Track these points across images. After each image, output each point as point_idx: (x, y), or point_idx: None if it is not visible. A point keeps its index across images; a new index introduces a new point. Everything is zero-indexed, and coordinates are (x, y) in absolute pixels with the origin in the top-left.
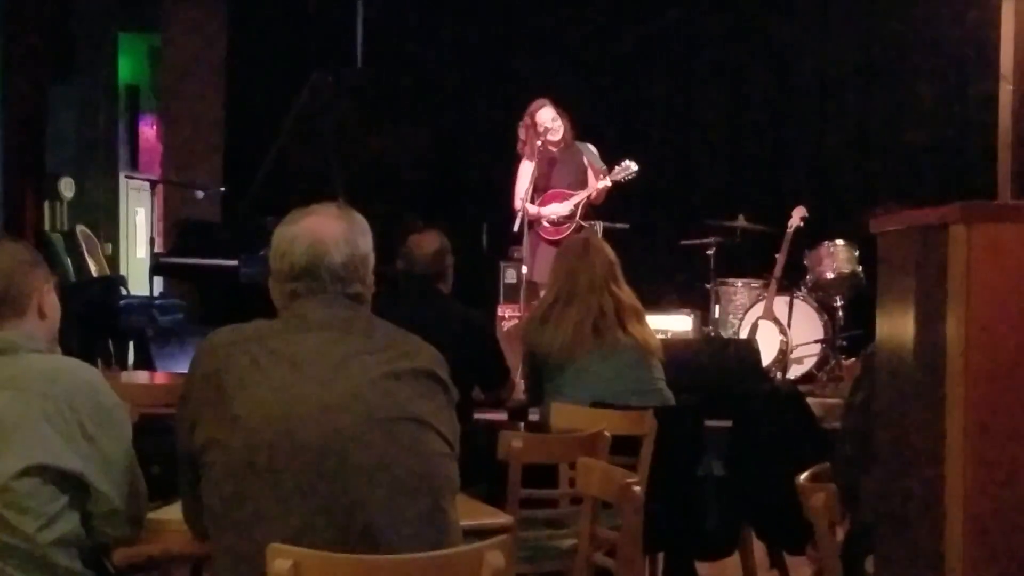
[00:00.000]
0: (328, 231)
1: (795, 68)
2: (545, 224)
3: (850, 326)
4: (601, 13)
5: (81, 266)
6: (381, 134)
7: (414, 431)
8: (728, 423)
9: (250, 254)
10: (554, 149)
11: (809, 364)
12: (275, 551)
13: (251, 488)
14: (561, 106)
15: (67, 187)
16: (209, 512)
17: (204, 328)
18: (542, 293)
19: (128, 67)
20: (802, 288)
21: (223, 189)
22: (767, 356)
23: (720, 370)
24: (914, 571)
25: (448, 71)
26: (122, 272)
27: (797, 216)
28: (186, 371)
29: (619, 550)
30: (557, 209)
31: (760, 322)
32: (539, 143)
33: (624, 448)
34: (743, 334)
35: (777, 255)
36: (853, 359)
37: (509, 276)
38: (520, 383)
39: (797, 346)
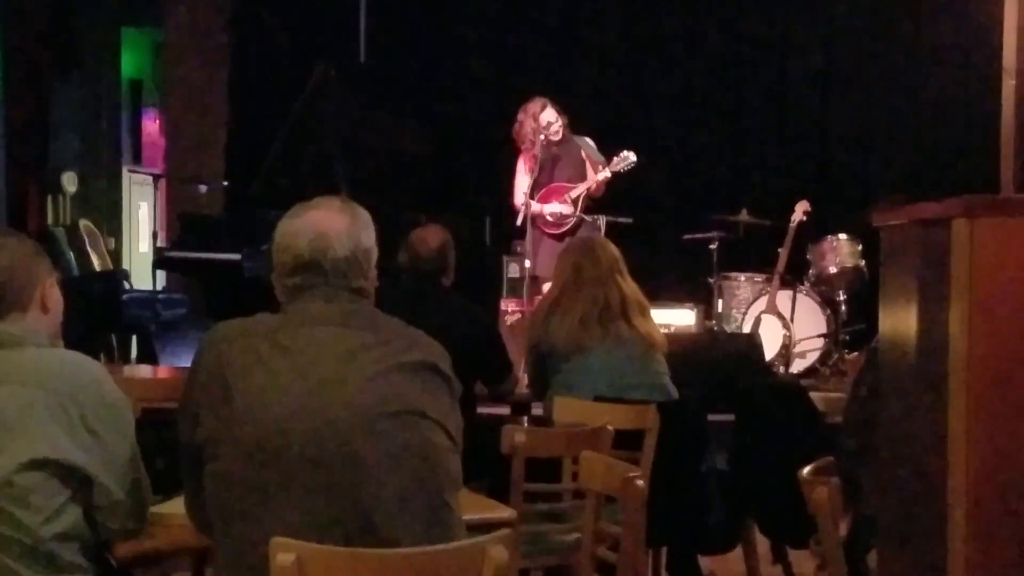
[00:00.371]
0: (331, 225)
1: (798, 62)
2: (547, 219)
3: (853, 320)
4: (604, 6)
5: (84, 261)
6: (384, 128)
7: (417, 425)
8: (731, 417)
9: (253, 248)
10: (555, 149)
11: (812, 358)
12: (278, 545)
13: (254, 482)
14: (560, 101)
15: (70, 181)
16: (212, 506)
17: (207, 322)
18: (545, 287)
19: (131, 61)
20: (805, 282)
21: (226, 183)
22: (770, 350)
23: (723, 364)
24: (917, 564)
25: (451, 65)
26: (125, 266)
27: (800, 210)
28: (189, 365)
29: (622, 544)
30: (559, 206)
31: (763, 316)
32: (542, 138)
33: (627, 442)
34: (746, 328)
35: (780, 249)
36: (856, 353)
37: (512, 270)
38: (523, 377)
39: (800, 340)
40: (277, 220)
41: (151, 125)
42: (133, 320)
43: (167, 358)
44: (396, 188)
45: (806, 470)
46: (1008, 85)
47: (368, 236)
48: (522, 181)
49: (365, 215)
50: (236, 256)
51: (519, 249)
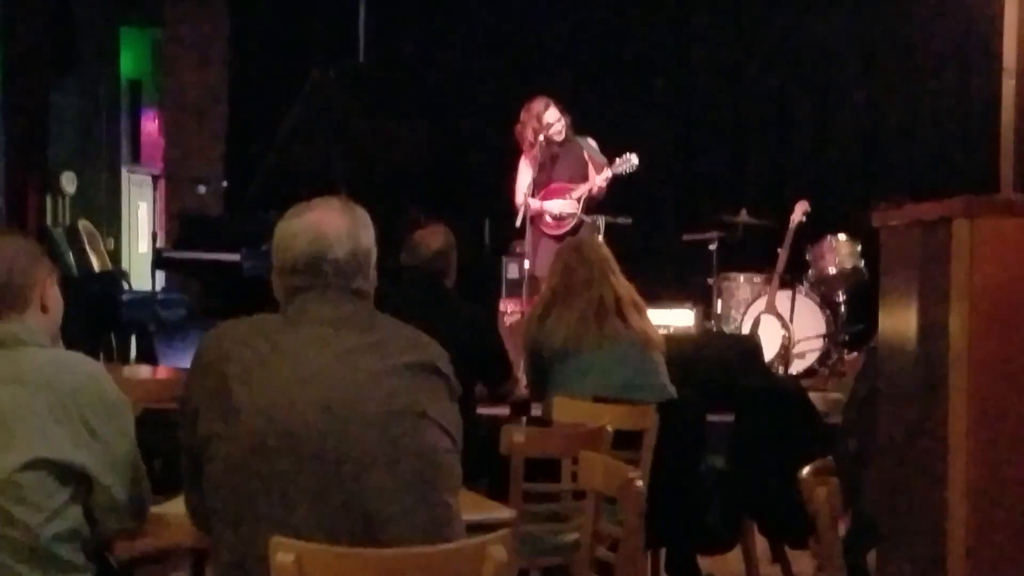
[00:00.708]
0: (330, 226)
1: (798, 62)
2: (547, 219)
3: (852, 321)
4: (603, 7)
5: (83, 261)
6: (383, 128)
7: (417, 425)
8: (730, 417)
9: (252, 248)
10: (557, 149)
11: (811, 359)
12: (278, 544)
13: (254, 481)
14: (561, 101)
15: (69, 181)
16: (212, 505)
17: (206, 322)
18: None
19: (130, 61)
20: (804, 283)
21: (225, 183)
22: (769, 351)
23: (722, 365)
24: (917, 565)
25: (450, 65)
26: (124, 267)
27: (799, 211)
28: (188, 365)
29: (621, 544)
30: (560, 206)
31: (762, 317)
32: (541, 138)
33: (626, 442)
34: (745, 329)
35: (779, 250)
36: (855, 354)
37: (511, 271)
38: (522, 378)
39: (799, 341)
40: (276, 220)
41: (150, 125)
42: (132, 320)
43: (166, 358)
44: (395, 188)
45: (805, 470)
46: (1008, 85)
47: (367, 236)
48: (523, 181)
49: (364, 215)
50: (235, 256)
51: (518, 250)
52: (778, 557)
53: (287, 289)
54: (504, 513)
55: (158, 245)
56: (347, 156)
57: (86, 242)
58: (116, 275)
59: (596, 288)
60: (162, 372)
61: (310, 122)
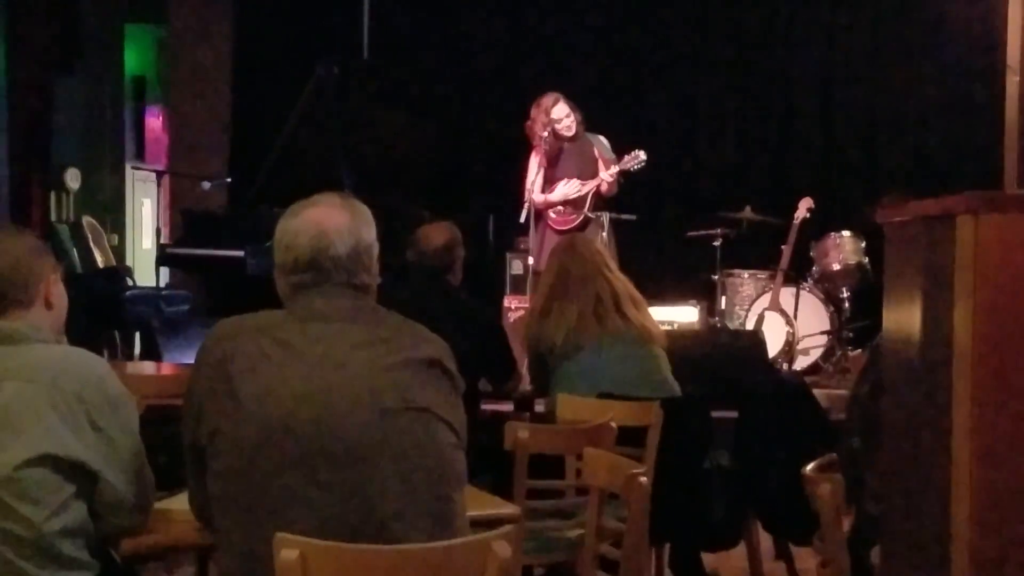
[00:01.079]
0: (331, 222)
1: (802, 59)
2: (554, 215)
3: (856, 317)
4: (608, 3)
5: (87, 257)
6: (387, 125)
7: (421, 421)
8: (734, 414)
9: (256, 245)
10: (567, 145)
11: (815, 355)
12: (282, 541)
13: (257, 478)
14: (571, 98)
15: (73, 178)
16: (215, 502)
17: (210, 319)
18: None
19: (134, 58)
20: (808, 279)
21: (229, 180)
22: (773, 347)
23: (726, 361)
24: (921, 562)
25: (454, 62)
26: (128, 263)
27: (804, 207)
28: (192, 362)
29: (625, 541)
30: (565, 190)
31: (766, 313)
32: (546, 133)
33: (630, 439)
34: (749, 325)
35: (783, 246)
36: (859, 350)
37: (515, 267)
38: (526, 374)
39: (803, 337)
40: (280, 217)
41: (154, 121)
42: (136, 317)
43: (170, 355)
44: (400, 185)
45: (809, 467)
46: (1012, 82)
47: (369, 232)
48: (532, 177)
49: (365, 211)
50: (239, 253)
51: (522, 246)
52: (782, 554)
53: (290, 286)
54: (508, 509)
55: (162, 241)
56: (351, 152)
57: (90, 238)
58: (120, 271)
59: (593, 285)
60: (166, 368)
61: (314, 118)
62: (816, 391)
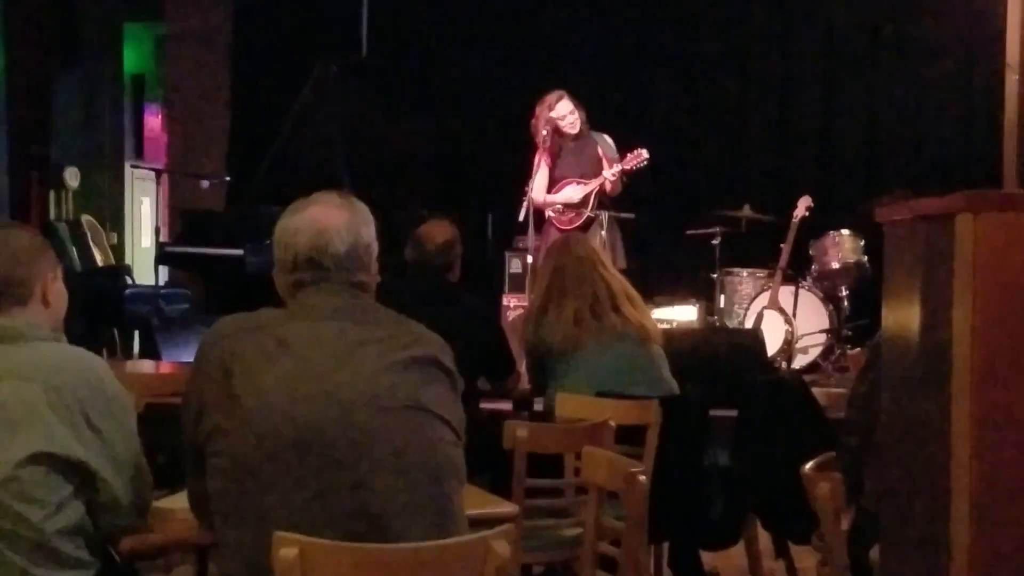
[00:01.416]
0: (331, 220)
1: (801, 58)
2: (551, 214)
3: (855, 316)
4: (608, 3)
5: (86, 256)
6: (386, 123)
7: (420, 420)
8: (733, 413)
9: (255, 243)
10: (571, 143)
11: (814, 354)
12: (281, 540)
13: (257, 476)
14: (575, 96)
15: (72, 177)
16: (215, 500)
17: (209, 317)
18: None
19: (133, 57)
20: (807, 278)
21: (228, 178)
22: (772, 346)
23: (725, 360)
24: (920, 560)
25: (453, 59)
26: (127, 262)
27: (803, 206)
28: (191, 360)
29: (624, 539)
30: (570, 194)
31: (765, 312)
32: (545, 132)
33: (629, 437)
34: (748, 324)
35: (782, 245)
36: (858, 349)
37: (514, 265)
38: (525, 373)
39: (802, 336)
40: (279, 215)
41: (153, 120)
42: (135, 315)
43: (169, 353)
44: (399, 183)
45: (808, 465)
46: (1011, 80)
47: (368, 230)
48: (538, 178)
49: (364, 209)
50: (238, 251)
51: (521, 244)
52: (781, 552)
53: (289, 284)
54: (507, 508)
55: (161, 240)
56: (350, 150)
57: (89, 237)
58: (119, 270)
59: (589, 284)
60: (165, 367)
61: (313, 117)
62: (815, 389)
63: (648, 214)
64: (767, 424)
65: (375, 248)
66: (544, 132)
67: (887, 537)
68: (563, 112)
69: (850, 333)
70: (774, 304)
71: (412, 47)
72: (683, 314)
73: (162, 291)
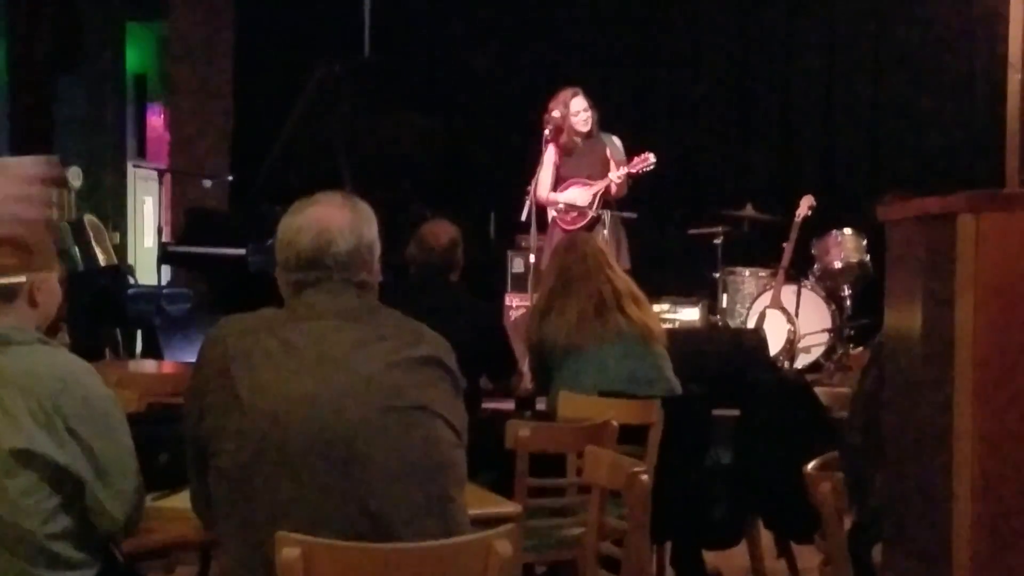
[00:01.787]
0: (333, 220)
1: (803, 58)
2: (554, 213)
3: (858, 315)
4: (612, 2)
5: (89, 255)
6: (388, 122)
7: (422, 420)
8: (736, 412)
9: (257, 243)
10: (578, 140)
11: (817, 353)
12: (283, 540)
13: (259, 476)
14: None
15: (75, 176)
16: (217, 500)
17: (212, 317)
18: None
19: (136, 56)
20: (810, 277)
21: (231, 178)
22: (775, 345)
23: (727, 359)
24: (922, 560)
25: (455, 59)
26: (130, 261)
27: (805, 205)
28: (194, 360)
29: (626, 539)
30: (574, 195)
31: (768, 311)
32: (548, 131)
33: (631, 437)
34: (751, 323)
35: (785, 244)
36: (860, 348)
37: (516, 265)
38: (527, 372)
39: (805, 335)
40: (281, 215)
41: (156, 120)
42: (138, 315)
43: (172, 353)
44: (401, 183)
45: (810, 465)
46: (1013, 80)
47: (370, 230)
48: (544, 174)
49: (367, 209)
50: (241, 251)
51: (523, 244)
52: (783, 552)
53: (291, 284)
54: (509, 508)
55: (163, 240)
56: (352, 150)
57: (92, 237)
58: (122, 269)
59: (594, 283)
60: (167, 366)
61: (315, 116)
62: (817, 389)
63: (650, 213)
64: (769, 424)
65: (377, 248)
66: (547, 131)
67: (889, 536)
68: (577, 108)
69: (852, 332)
70: (776, 303)
71: (414, 46)
72: (685, 313)
73: (164, 291)
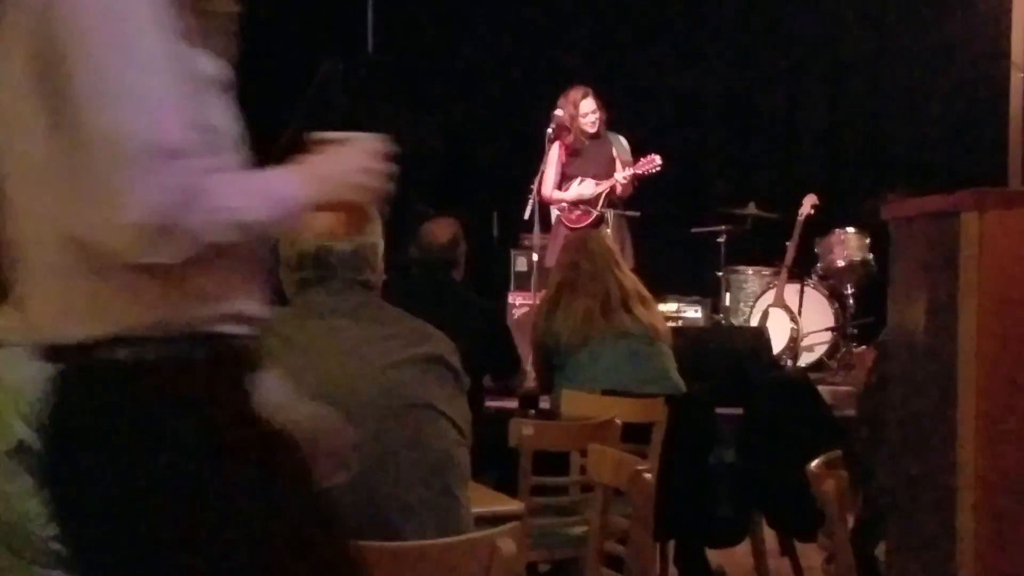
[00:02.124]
0: (335, 219)
1: (806, 56)
2: (558, 211)
3: (861, 314)
4: (613, 0)
5: None
6: (391, 121)
7: (425, 418)
8: (739, 411)
9: None
10: (585, 140)
11: (820, 352)
12: None
13: None
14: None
15: None
16: None
17: None
18: None
19: None
20: (813, 276)
21: None
22: (778, 344)
23: (731, 358)
24: (926, 556)
25: (459, 57)
26: None
27: (808, 204)
28: None
29: (630, 537)
30: (581, 190)
31: (771, 310)
32: (550, 130)
33: (635, 435)
34: (754, 322)
35: (788, 243)
36: (864, 347)
37: (519, 264)
38: (531, 371)
39: (808, 334)
40: None
41: None
42: None
43: None
44: (404, 181)
45: (814, 463)
46: (1017, 78)
47: (373, 229)
48: (548, 173)
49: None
50: None
51: (526, 242)
52: (787, 550)
53: (294, 283)
54: (513, 506)
55: None
56: None
57: None
58: None
59: (601, 282)
60: None
61: (319, 114)
62: (820, 387)
63: (654, 212)
64: (773, 422)
65: (380, 247)
66: (550, 130)
67: (894, 533)
68: (586, 110)
69: (856, 331)
70: (780, 302)
71: (417, 44)
72: (689, 312)
73: None
